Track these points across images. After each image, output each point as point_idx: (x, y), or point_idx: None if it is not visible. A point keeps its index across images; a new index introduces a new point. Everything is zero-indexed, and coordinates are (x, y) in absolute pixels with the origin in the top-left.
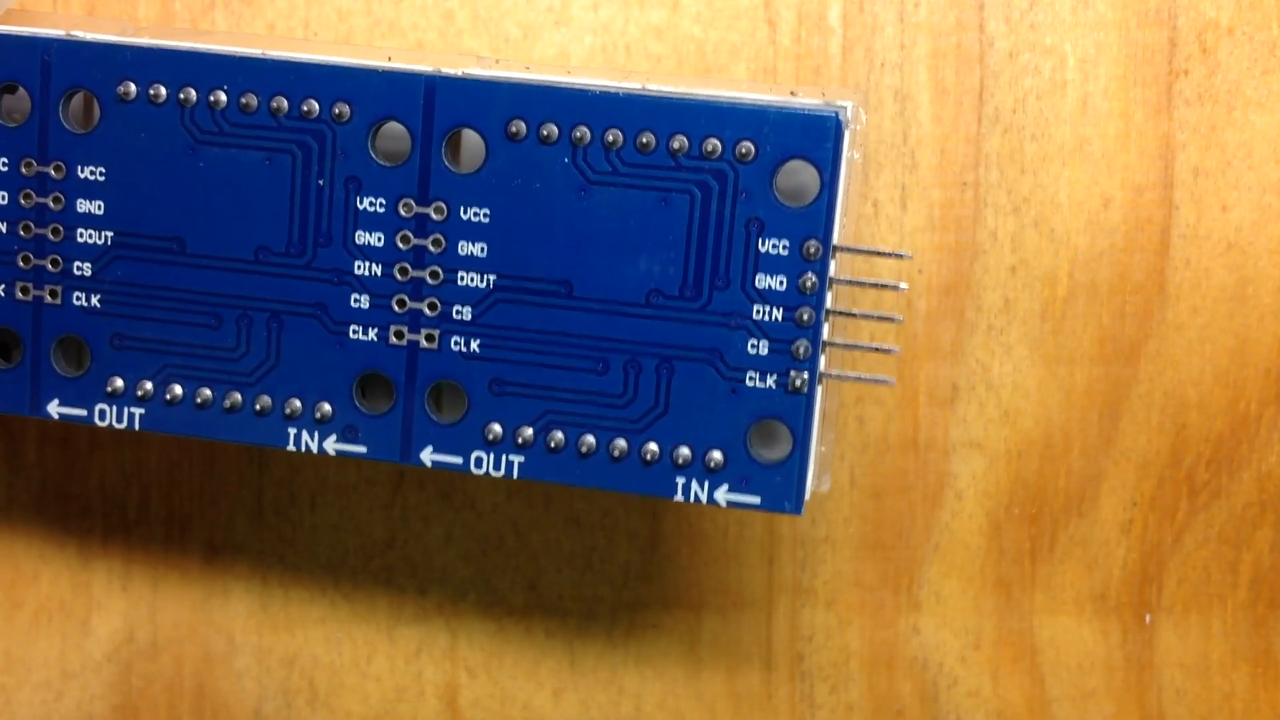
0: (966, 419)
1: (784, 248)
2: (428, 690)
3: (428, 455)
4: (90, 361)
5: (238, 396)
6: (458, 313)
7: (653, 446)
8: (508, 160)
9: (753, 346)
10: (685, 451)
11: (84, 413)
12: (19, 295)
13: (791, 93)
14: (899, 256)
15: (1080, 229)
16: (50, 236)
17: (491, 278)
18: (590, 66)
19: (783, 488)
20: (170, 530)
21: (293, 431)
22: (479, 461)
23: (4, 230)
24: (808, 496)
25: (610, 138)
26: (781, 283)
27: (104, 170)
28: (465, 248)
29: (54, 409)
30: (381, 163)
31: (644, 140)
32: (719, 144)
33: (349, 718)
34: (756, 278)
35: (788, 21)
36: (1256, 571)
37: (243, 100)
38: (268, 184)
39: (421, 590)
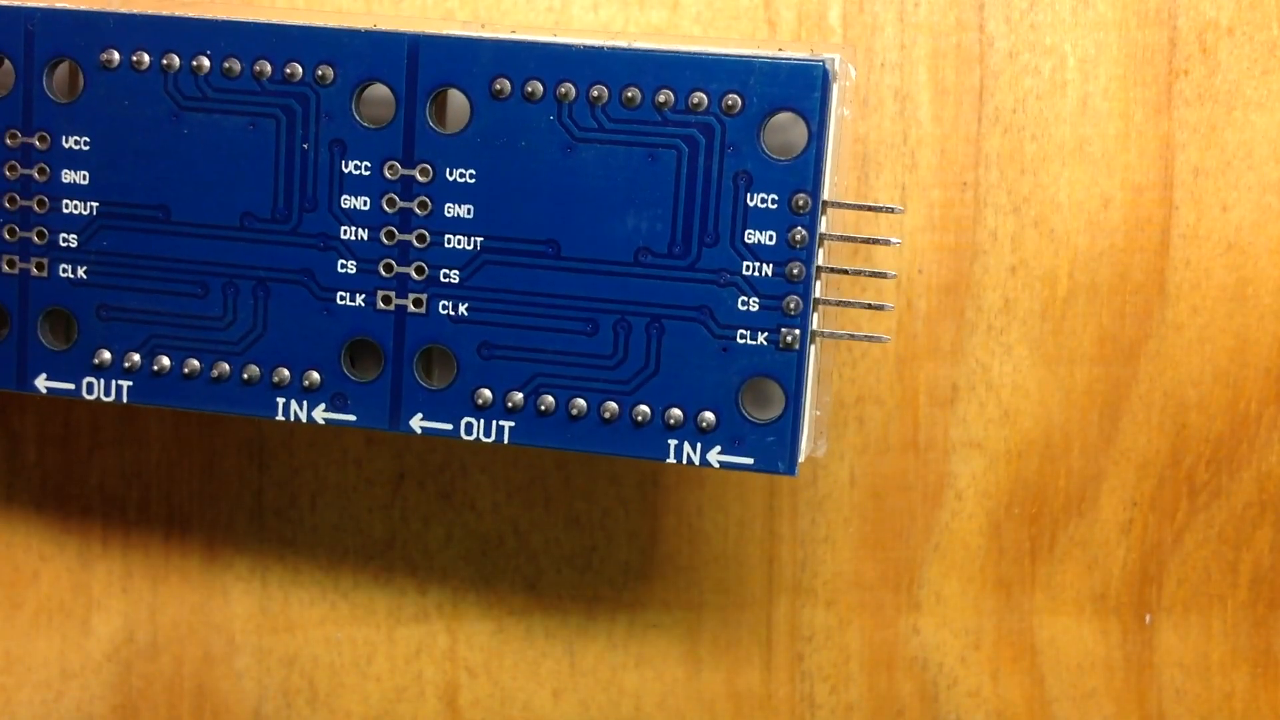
0: (966, 419)
1: (773, 202)
2: (428, 690)
3: (417, 422)
4: (77, 334)
5: (225, 366)
6: (445, 276)
7: (644, 408)
8: (492, 119)
9: (743, 303)
10: (677, 413)
11: (72, 386)
12: (5, 269)
13: (779, 49)
14: (891, 210)
15: (1080, 229)
16: (35, 208)
17: (478, 239)
18: (575, 29)
19: (776, 448)
20: (170, 530)
21: (281, 400)
22: (469, 427)
23: None
24: (802, 458)
25: (595, 93)
26: (771, 237)
27: (88, 140)
28: (451, 209)
29: (41, 383)
30: (366, 125)
31: (629, 95)
32: (705, 97)
33: (349, 718)
34: (746, 233)
35: (788, 22)
36: (1256, 571)
37: (225, 65)
38: (252, 149)
39: (421, 590)
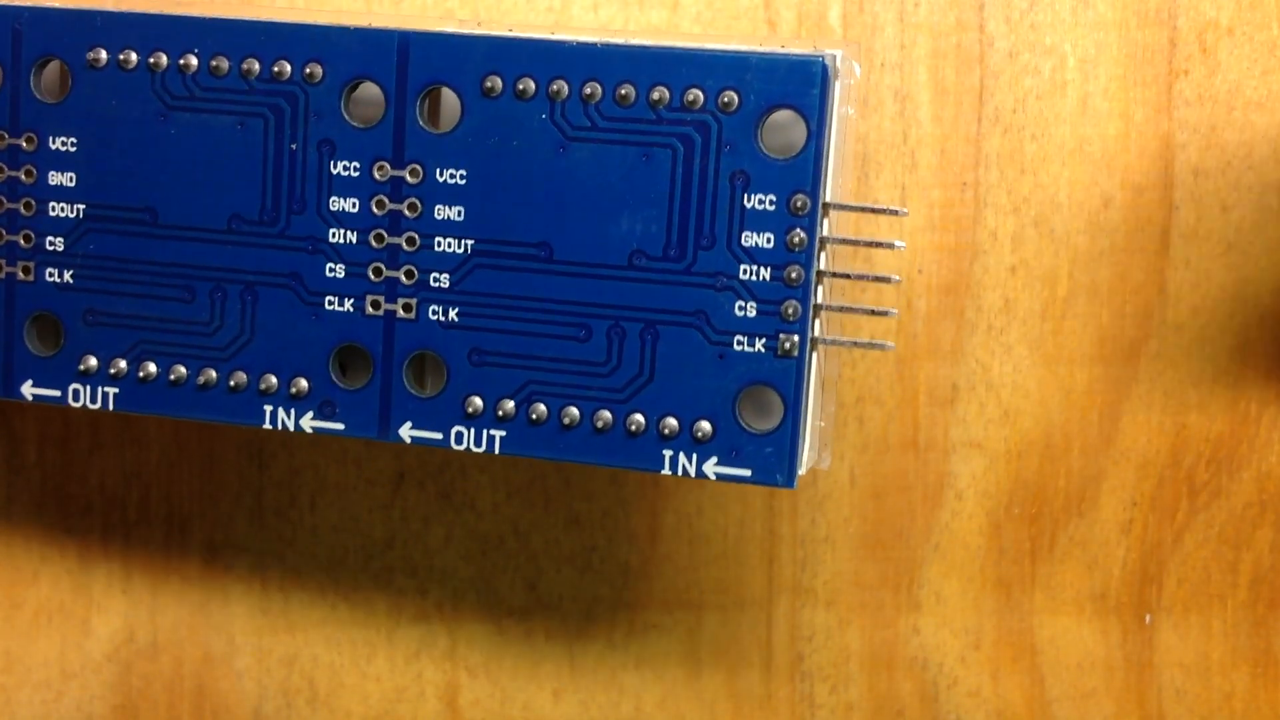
0: (966, 419)
1: (771, 203)
2: (428, 690)
3: (406, 431)
4: (64, 340)
5: (212, 373)
6: (435, 280)
7: (638, 417)
8: (484, 118)
9: (740, 308)
10: (672, 422)
11: (58, 393)
12: None
13: (780, 45)
14: (894, 212)
15: (1080, 229)
16: (22, 211)
17: (469, 242)
18: (573, 28)
19: (774, 459)
20: (170, 530)
21: (269, 409)
22: (459, 437)
23: None
24: (803, 470)
25: (588, 91)
26: (769, 240)
27: (75, 141)
28: (442, 211)
29: (27, 390)
30: (355, 124)
31: (623, 93)
32: (701, 94)
33: (349, 718)
34: (743, 235)
35: (788, 22)
36: (1256, 571)
37: (213, 63)
38: (240, 149)
39: (421, 590)
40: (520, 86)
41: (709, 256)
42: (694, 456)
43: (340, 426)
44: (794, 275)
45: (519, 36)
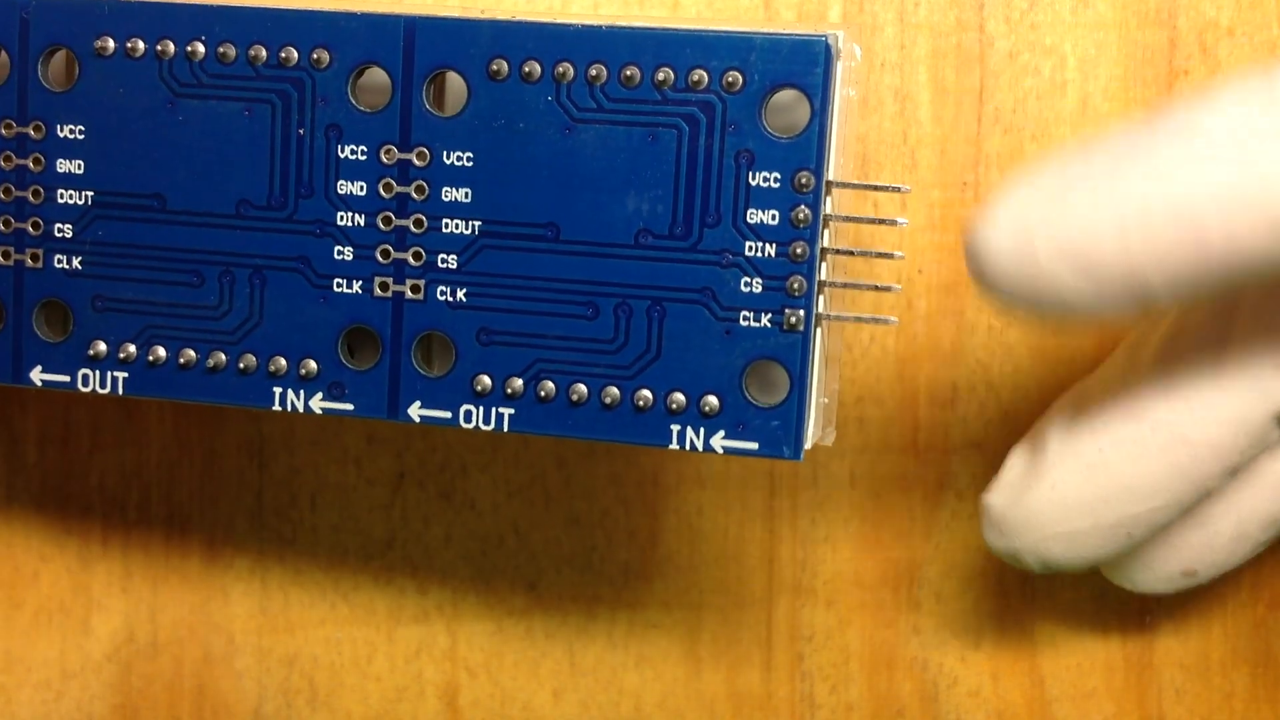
0: (966, 419)
1: (775, 180)
2: (428, 690)
3: (415, 411)
4: (73, 326)
5: (221, 356)
6: (443, 261)
7: (646, 393)
8: (490, 101)
9: (746, 285)
10: (679, 397)
11: (67, 379)
12: (0, 261)
13: (781, 28)
14: (897, 190)
15: None
16: (31, 199)
17: (476, 223)
18: (574, 12)
19: (780, 432)
20: (170, 530)
21: (278, 390)
22: (468, 415)
23: None
24: (809, 445)
25: (594, 73)
26: (774, 217)
27: (83, 128)
28: (449, 193)
29: (37, 376)
30: (362, 109)
31: (628, 74)
32: (705, 75)
33: (349, 718)
34: (748, 213)
35: (788, 21)
36: (1257, 572)
37: (220, 50)
38: (247, 135)
39: (421, 590)
40: (526, 69)
41: (715, 234)
42: (701, 431)
43: (349, 407)
44: (799, 251)
45: (525, 20)
